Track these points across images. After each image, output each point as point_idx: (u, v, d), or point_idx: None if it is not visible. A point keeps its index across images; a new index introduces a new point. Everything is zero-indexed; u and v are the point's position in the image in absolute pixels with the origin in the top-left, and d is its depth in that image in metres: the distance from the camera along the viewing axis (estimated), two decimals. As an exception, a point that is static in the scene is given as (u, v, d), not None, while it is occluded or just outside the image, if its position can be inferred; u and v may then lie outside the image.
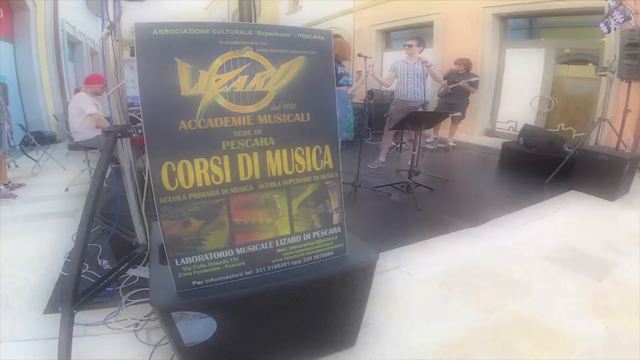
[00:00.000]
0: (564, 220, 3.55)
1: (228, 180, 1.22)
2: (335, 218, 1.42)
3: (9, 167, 5.09)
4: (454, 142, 6.76)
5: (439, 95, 6.62)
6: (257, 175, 1.25)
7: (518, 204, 3.91)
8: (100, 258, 2.64)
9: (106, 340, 1.87)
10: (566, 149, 4.97)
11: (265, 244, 1.32)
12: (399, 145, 5.98)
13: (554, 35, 6.70)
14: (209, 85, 1.16)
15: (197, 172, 1.18)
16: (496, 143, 5.95)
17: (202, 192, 1.20)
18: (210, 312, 1.25)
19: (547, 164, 4.76)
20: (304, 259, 1.40)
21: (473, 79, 6.22)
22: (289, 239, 1.35)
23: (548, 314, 2.10)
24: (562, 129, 6.31)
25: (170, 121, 1.14)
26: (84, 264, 2.56)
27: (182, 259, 1.23)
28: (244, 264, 1.31)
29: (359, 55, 3.98)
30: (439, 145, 6.63)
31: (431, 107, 7.18)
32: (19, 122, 5.63)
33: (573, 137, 6.03)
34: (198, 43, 1.14)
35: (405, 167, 4.81)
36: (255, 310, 1.33)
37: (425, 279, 2.47)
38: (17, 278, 2.44)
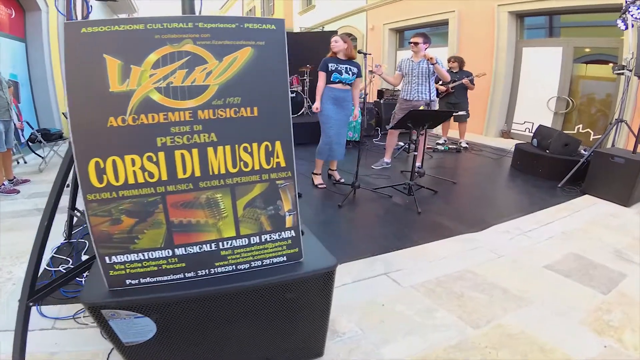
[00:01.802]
0: (574, 227, 3.34)
1: (164, 177, 1.15)
2: (289, 221, 1.32)
3: (18, 163, 5.20)
4: (467, 143, 6.55)
5: (437, 96, 6.47)
6: (198, 173, 1.18)
7: (527, 209, 3.73)
8: (84, 254, 2.65)
9: (72, 334, 1.87)
10: (582, 151, 4.73)
11: (208, 245, 1.25)
12: (407, 146, 5.84)
13: (572, 33, 6.41)
14: (141, 80, 1.09)
15: (128, 169, 1.12)
16: (511, 145, 5.72)
17: (134, 190, 1.14)
18: (145, 312, 1.20)
19: (562, 166, 4.54)
20: (252, 263, 1.31)
21: (471, 77, 6.10)
22: (234, 241, 1.26)
23: (541, 330, 1.94)
24: (580, 130, 6.03)
25: (97, 118, 1.09)
26: (68, 258, 2.59)
27: (112, 257, 1.18)
28: (184, 265, 1.24)
29: (359, 52, 3.88)
30: (450, 146, 6.43)
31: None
32: (30, 120, 5.75)
33: (591, 139, 5.75)
34: (130, 39, 1.08)
35: (417, 167, 4.67)
36: (201, 315, 1.27)
37: (411, 287, 2.34)
38: (3, 272, 2.48)
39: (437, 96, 6.43)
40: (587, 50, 6.13)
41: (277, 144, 1.26)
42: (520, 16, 6.89)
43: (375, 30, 10.05)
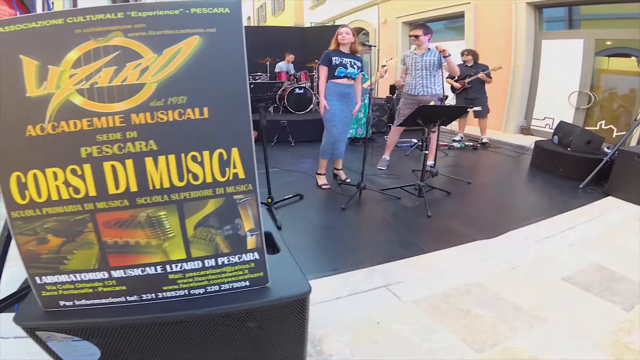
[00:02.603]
0: (596, 233, 3.06)
1: (92, 193, 0.99)
2: (250, 242, 1.11)
3: None
4: (488, 139, 6.23)
5: (453, 92, 6.17)
6: (134, 188, 1.00)
7: (545, 212, 3.45)
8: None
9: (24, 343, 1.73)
10: (605, 149, 4.39)
11: (152, 268, 1.08)
12: (421, 143, 5.57)
13: (593, 25, 6.02)
14: (60, 82, 0.93)
15: (50, 184, 0.96)
16: (531, 141, 5.40)
17: (59, 207, 0.99)
18: (83, 336, 1.07)
19: (584, 165, 4.24)
20: (208, 288, 1.14)
21: (487, 70, 5.78)
22: (185, 264, 1.10)
23: (554, 354, 1.71)
24: (602, 127, 5.65)
25: (15, 127, 0.93)
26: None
27: (43, 277, 1.05)
28: (124, 288, 1.09)
29: (363, 44, 3.66)
30: (466, 143, 6.13)
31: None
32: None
33: (614, 136, 5.37)
34: (48, 35, 0.92)
35: (430, 166, 4.43)
36: (151, 341, 1.12)
37: (413, 302, 2.13)
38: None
39: (454, 92, 6.17)
40: (609, 43, 5.73)
41: (234, 151, 1.05)
42: (538, 7, 6.52)
43: (387, 24, 9.74)
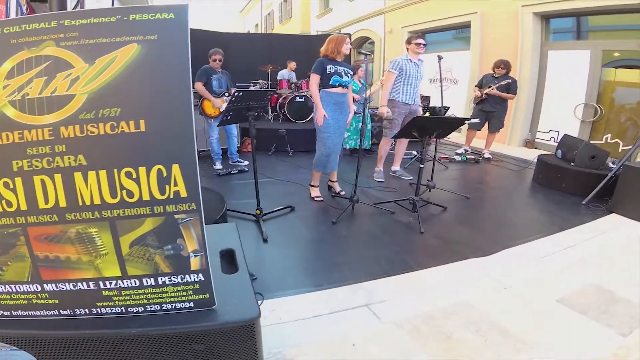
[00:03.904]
0: (597, 252, 2.93)
1: (24, 207, 0.96)
2: (194, 263, 1.07)
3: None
4: (490, 154, 6.09)
5: (474, 103, 6.03)
6: (63, 204, 0.96)
7: (545, 230, 3.33)
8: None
9: None
10: (611, 164, 4.25)
11: (84, 284, 1.05)
12: (419, 155, 5.48)
13: (600, 36, 5.89)
14: None
15: (-17, 197, 0.93)
16: (535, 155, 5.28)
17: None
18: (20, 346, 1.05)
19: (587, 181, 4.11)
20: (148, 307, 1.09)
21: (504, 82, 5.58)
22: (120, 282, 1.06)
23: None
24: (608, 140, 5.49)
25: None
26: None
27: None
28: (57, 301, 1.07)
29: (359, 52, 3.59)
30: (468, 156, 6.00)
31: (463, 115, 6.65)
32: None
33: (619, 150, 5.22)
34: None
35: (423, 180, 4.32)
36: (89, 356, 1.07)
37: (393, 324, 2.03)
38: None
39: (475, 101, 6.00)
40: (617, 54, 5.59)
41: (175, 167, 1.00)
42: (545, 17, 6.41)
43: (393, 33, 9.70)
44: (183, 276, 1.08)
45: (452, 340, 1.89)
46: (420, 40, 4.29)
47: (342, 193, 4.09)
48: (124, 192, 0.98)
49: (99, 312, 1.08)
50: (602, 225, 3.45)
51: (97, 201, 0.97)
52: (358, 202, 3.66)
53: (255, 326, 1.10)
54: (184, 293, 1.09)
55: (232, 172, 5.01)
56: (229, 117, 3.14)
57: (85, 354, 1.06)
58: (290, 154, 6.08)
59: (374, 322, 2.06)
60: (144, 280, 1.07)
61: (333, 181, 4.21)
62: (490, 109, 5.75)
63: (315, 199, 3.99)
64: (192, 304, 1.11)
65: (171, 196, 1.01)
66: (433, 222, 3.51)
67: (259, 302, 2.15)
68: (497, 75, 5.75)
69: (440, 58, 4.41)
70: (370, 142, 6.22)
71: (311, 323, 2.05)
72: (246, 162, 5.40)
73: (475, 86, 6.00)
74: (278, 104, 7.16)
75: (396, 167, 5.01)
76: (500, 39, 6.97)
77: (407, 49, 4.41)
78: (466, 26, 7.84)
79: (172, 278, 1.07)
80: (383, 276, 2.54)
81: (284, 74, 7.73)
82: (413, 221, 3.42)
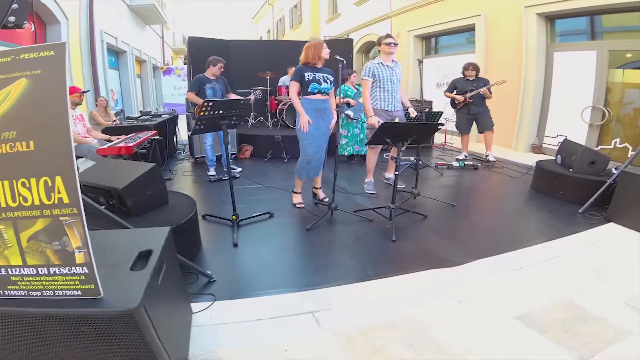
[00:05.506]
0: (583, 263, 2.75)
1: None
2: (79, 257, 1.28)
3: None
4: (494, 157, 5.89)
5: (456, 108, 5.92)
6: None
7: (529, 240, 3.16)
8: None
9: None
10: (613, 170, 4.00)
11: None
12: (415, 162, 5.34)
13: (606, 36, 5.63)
14: None
15: None
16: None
17: None
18: None
19: (585, 188, 3.90)
20: (44, 292, 1.31)
21: (489, 84, 5.59)
22: (22, 269, 1.29)
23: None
24: (617, 145, 5.19)
25: None
26: None
27: None
28: None
29: (335, 57, 3.50)
30: (468, 163, 5.81)
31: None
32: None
33: (629, 155, 4.91)
34: None
35: (411, 188, 4.21)
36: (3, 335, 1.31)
37: (331, 332, 1.96)
38: None
39: (454, 107, 5.93)
40: (629, 55, 5.29)
41: (58, 179, 1.21)
42: (550, 18, 6.17)
43: (399, 37, 9.58)
44: (70, 268, 1.28)
45: (379, 354, 1.80)
46: (390, 40, 4.16)
47: (326, 200, 4.03)
48: (20, 197, 1.22)
49: (9, 293, 1.31)
50: (594, 236, 3.25)
51: (2, 204, 1.22)
52: (336, 209, 3.60)
53: (135, 315, 1.25)
54: (72, 282, 1.29)
55: (224, 178, 5.03)
56: (202, 127, 3.15)
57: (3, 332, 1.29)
58: (285, 160, 6.06)
59: (314, 329, 2.01)
60: (39, 269, 1.28)
61: (317, 188, 4.15)
62: (476, 111, 5.75)
63: (297, 205, 3.95)
64: (79, 292, 1.30)
65: (56, 202, 1.22)
66: (409, 230, 3.40)
67: (210, 302, 2.18)
68: (470, 78, 5.76)
69: (420, 62, 4.33)
70: (358, 150, 6.12)
71: (249, 326, 2.04)
72: (239, 169, 5.43)
73: (446, 91, 6.03)
74: (278, 110, 7.16)
75: (390, 174, 4.88)
76: (505, 40, 6.78)
77: (379, 51, 4.30)
78: (471, 29, 7.66)
79: (60, 269, 1.28)
80: (340, 284, 2.48)
81: (285, 80, 7.74)
82: (389, 229, 3.31)
